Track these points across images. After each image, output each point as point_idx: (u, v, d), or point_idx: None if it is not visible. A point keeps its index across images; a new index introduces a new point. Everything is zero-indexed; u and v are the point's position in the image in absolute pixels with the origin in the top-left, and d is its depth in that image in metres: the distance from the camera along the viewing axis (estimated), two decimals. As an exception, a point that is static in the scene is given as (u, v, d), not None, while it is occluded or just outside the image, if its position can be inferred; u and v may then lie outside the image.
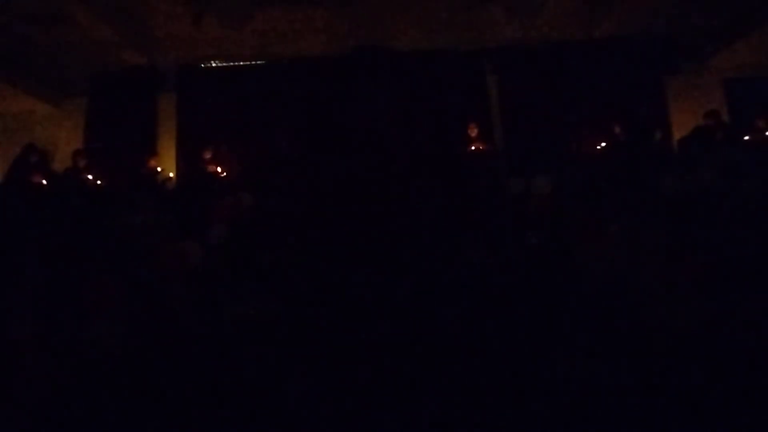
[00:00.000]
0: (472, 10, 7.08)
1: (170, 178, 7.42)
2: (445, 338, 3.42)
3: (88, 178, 6.68)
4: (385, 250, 4.82)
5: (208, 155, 7.21)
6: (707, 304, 3.18)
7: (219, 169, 7.17)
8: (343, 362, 3.20)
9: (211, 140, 7.44)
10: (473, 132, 7.23)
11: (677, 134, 7.50)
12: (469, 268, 4.46)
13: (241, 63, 8.01)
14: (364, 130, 7.78)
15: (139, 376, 3.15)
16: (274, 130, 7.76)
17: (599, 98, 7.77)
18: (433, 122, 7.73)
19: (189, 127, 7.91)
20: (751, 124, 6.50)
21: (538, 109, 7.76)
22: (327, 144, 7.72)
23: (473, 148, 7.14)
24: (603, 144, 7.02)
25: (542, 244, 4.77)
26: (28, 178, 6.37)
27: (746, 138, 6.42)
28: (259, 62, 8.02)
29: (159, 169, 7.26)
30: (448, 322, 3.63)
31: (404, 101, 7.87)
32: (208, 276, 4.47)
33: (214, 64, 8.04)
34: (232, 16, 6.94)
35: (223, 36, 7.39)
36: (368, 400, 2.88)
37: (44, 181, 6.62)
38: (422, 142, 7.63)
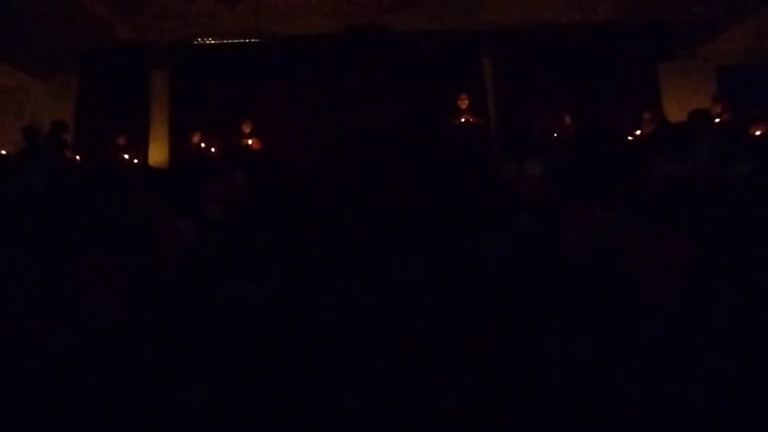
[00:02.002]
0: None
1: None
2: (436, 318, 3.48)
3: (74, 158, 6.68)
4: (379, 229, 4.86)
5: (247, 129, 7.14)
6: (696, 287, 3.24)
7: (250, 142, 7.14)
8: (338, 344, 3.24)
9: (247, 115, 7.33)
10: (464, 104, 7.07)
11: (669, 120, 7.55)
12: (460, 250, 4.51)
13: (235, 40, 7.93)
14: (357, 110, 7.76)
15: (132, 351, 3.19)
16: (267, 108, 7.69)
17: (593, 82, 7.80)
18: (427, 104, 7.71)
19: (182, 103, 7.85)
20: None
21: (532, 91, 7.77)
22: (320, 123, 7.70)
23: (463, 120, 7.01)
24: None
25: (533, 227, 4.82)
26: (62, 155, 6.48)
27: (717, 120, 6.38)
28: (252, 40, 7.94)
29: (203, 145, 7.20)
30: (440, 302, 3.68)
31: (398, 82, 7.84)
32: (203, 254, 4.50)
33: (207, 41, 7.95)
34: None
35: (217, 13, 7.30)
36: (363, 382, 2.93)
37: (78, 157, 6.76)
38: (416, 124, 7.62)
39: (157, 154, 7.58)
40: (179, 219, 4.59)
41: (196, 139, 7.10)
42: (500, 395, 2.81)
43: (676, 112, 7.45)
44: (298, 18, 7.47)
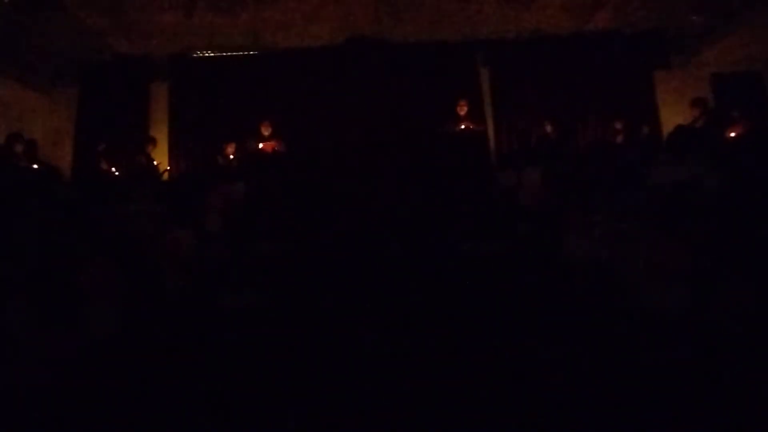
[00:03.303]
0: (466, 2, 7.10)
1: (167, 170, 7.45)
2: (436, 327, 3.48)
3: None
4: (378, 238, 4.86)
5: (266, 132, 7.08)
6: (694, 293, 3.25)
7: (261, 146, 7.03)
8: (337, 355, 3.24)
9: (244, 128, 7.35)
10: (463, 110, 7.06)
11: (666, 128, 7.61)
12: (460, 258, 4.52)
13: (234, 53, 7.99)
14: (355, 122, 7.80)
15: (132, 362, 3.18)
16: (267, 119, 7.71)
17: (589, 91, 7.86)
18: (426, 113, 7.75)
19: (181, 116, 7.90)
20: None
21: (530, 101, 7.83)
22: (319, 134, 7.74)
23: (462, 127, 7.00)
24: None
25: (532, 234, 4.84)
26: (99, 167, 6.70)
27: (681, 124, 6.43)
28: (251, 52, 8.00)
29: (231, 156, 7.23)
30: (440, 311, 3.68)
31: (396, 93, 7.90)
32: (202, 265, 4.50)
33: (206, 54, 8.01)
34: (225, 6, 6.90)
35: (216, 26, 7.35)
36: (362, 393, 2.92)
37: (113, 169, 6.93)
38: (414, 134, 7.66)
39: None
40: (179, 230, 4.59)
41: (230, 149, 7.10)
42: (499, 402, 2.80)
43: (672, 118, 7.52)
44: (296, 31, 7.53)
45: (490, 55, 8.05)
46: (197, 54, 8.00)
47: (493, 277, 4.14)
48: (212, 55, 8.01)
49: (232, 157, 7.12)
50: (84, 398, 2.87)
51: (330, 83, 7.94)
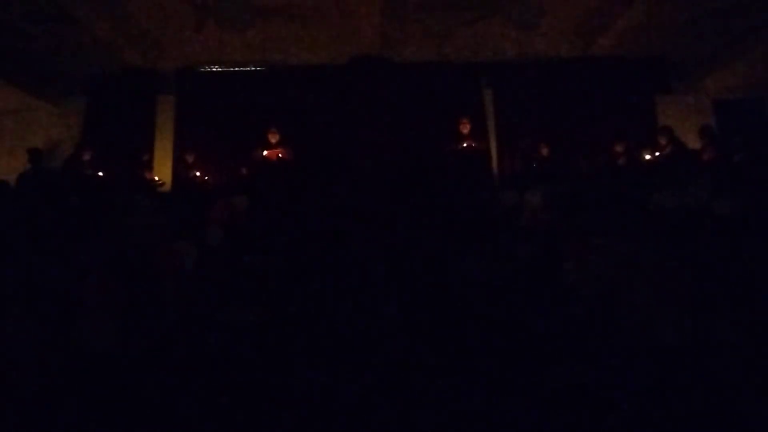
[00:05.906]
0: (470, 25, 7.20)
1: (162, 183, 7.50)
2: (435, 347, 3.47)
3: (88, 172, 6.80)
4: (379, 256, 4.86)
5: (274, 139, 7.08)
6: (695, 319, 3.24)
7: (265, 153, 7.01)
8: (336, 369, 3.23)
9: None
10: (465, 128, 7.12)
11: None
12: (460, 278, 4.51)
13: (241, 68, 8.09)
14: (359, 139, 7.85)
15: (131, 375, 3.18)
16: (274, 127, 7.71)
17: (591, 114, 7.91)
18: (429, 133, 7.80)
19: (186, 129, 7.96)
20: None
21: (533, 123, 7.87)
22: (322, 151, 7.78)
23: (465, 145, 7.06)
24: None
25: (533, 256, 4.83)
26: (141, 175, 6.97)
27: (648, 157, 6.57)
28: (258, 68, 8.10)
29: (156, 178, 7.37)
30: (438, 330, 3.67)
31: (401, 112, 7.95)
32: (202, 278, 4.50)
33: (213, 69, 8.11)
34: (234, 22, 6.99)
35: (224, 41, 7.44)
36: (361, 407, 2.91)
37: (157, 178, 7.25)
38: (418, 154, 7.69)
39: (161, 177, 7.63)
40: (179, 242, 4.60)
41: (265, 154, 7.07)
42: (496, 425, 2.78)
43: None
44: (303, 48, 7.62)
45: (494, 76, 8.13)
46: (204, 68, 8.09)
47: (492, 297, 4.13)
48: (219, 69, 8.11)
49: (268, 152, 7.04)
50: (80, 410, 2.86)
51: (335, 101, 8.01)
